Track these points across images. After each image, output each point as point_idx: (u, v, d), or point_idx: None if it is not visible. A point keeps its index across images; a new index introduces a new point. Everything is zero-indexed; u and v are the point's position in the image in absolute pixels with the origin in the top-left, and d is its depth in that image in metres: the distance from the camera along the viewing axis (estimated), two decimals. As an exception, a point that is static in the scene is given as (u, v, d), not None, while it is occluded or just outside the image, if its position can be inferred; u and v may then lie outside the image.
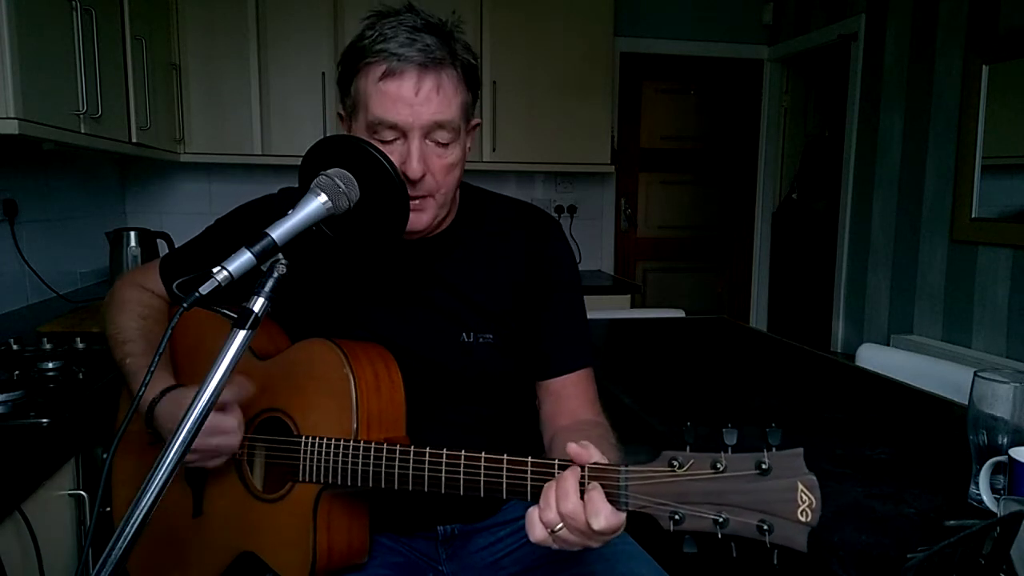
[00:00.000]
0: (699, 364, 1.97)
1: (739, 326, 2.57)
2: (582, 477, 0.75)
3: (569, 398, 1.09)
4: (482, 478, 0.83)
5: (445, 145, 0.99)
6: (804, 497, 0.67)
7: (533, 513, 0.76)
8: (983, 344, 2.81)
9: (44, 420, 1.18)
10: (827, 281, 3.80)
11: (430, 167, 0.98)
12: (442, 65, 0.96)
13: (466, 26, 1.02)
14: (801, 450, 0.68)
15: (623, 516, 0.74)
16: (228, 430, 0.94)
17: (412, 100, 0.94)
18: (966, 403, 1.04)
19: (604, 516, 0.73)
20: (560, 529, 0.75)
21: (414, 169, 0.95)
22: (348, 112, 1.02)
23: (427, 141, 0.97)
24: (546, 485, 0.77)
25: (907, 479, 1.09)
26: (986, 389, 1.01)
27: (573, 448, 0.77)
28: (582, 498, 0.74)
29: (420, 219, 1.00)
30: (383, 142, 0.96)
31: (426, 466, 0.86)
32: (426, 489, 0.86)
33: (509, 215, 1.14)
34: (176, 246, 1.22)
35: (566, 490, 0.74)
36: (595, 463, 0.76)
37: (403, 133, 0.96)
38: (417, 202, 0.99)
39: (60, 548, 1.25)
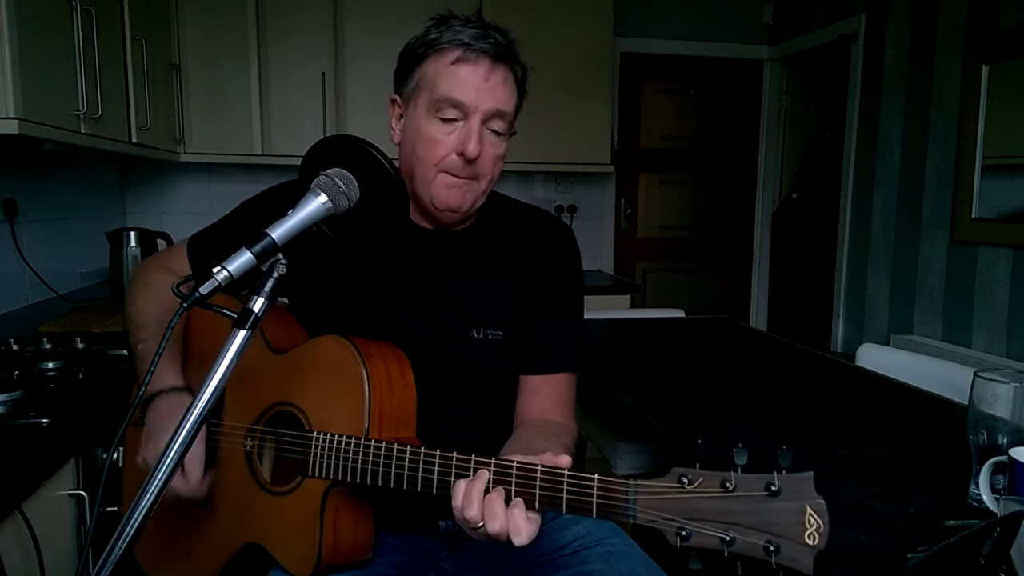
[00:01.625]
0: (699, 364, 1.97)
1: (739, 326, 2.57)
2: (507, 493, 0.79)
3: (544, 396, 1.12)
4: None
5: (499, 135, 1.04)
6: (812, 521, 0.67)
7: (457, 513, 0.80)
8: (983, 344, 2.81)
9: (44, 420, 1.18)
10: (827, 281, 3.80)
11: (483, 151, 1.02)
12: (509, 62, 1.04)
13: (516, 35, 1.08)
14: (811, 474, 0.69)
15: (538, 523, 0.78)
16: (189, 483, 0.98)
17: (481, 85, 1.00)
18: (966, 403, 1.04)
19: (527, 535, 0.77)
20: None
21: (472, 148, 1.00)
22: (405, 98, 1.07)
23: (484, 128, 1.02)
24: (464, 500, 0.80)
25: (907, 479, 1.09)
26: (986, 389, 1.01)
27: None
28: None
29: (465, 198, 1.04)
30: (444, 120, 1.01)
31: (436, 469, 0.86)
32: (435, 492, 0.86)
33: (525, 219, 1.18)
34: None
35: (493, 511, 0.78)
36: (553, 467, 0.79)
37: (465, 114, 1.01)
38: (464, 181, 1.03)
39: (60, 548, 1.25)
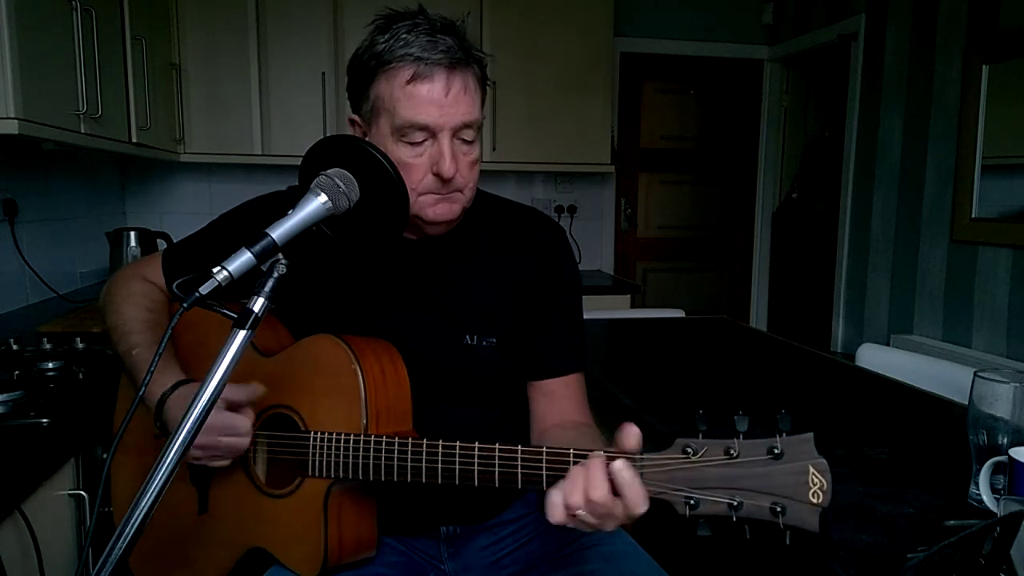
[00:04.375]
0: (699, 364, 1.97)
1: (739, 326, 2.57)
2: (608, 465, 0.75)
3: (561, 399, 1.10)
4: (496, 469, 0.83)
5: (470, 143, 1.01)
6: (815, 480, 0.69)
7: (557, 496, 0.76)
8: (983, 344, 2.81)
9: (44, 420, 1.18)
10: (827, 281, 3.80)
11: (459, 165, 0.99)
12: (465, 65, 0.98)
13: (466, 26, 1.03)
14: (811, 435, 0.71)
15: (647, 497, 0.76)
16: (240, 431, 0.94)
17: (443, 102, 0.95)
18: (966, 403, 1.04)
19: (646, 502, 0.74)
20: (582, 513, 0.76)
21: (448, 168, 0.97)
22: (365, 119, 1.02)
23: (454, 140, 0.98)
24: (573, 470, 0.77)
25: (907, 479, 1.09)
26: (986, 389, 1.01)
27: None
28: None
29: (452, 209, 1.02)
30: (412, 144, 0.97)
31: (439, 458, 0.87)
32: (439, 481, 0.86)
33: (515, 220, 1.15)
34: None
35: (595, 478, 0.75)
36: (608, 451, 0.78)
37: (433, 134, 0.97)
38: (448, 194, 1.01)
39: (60, 548, 1.25)
